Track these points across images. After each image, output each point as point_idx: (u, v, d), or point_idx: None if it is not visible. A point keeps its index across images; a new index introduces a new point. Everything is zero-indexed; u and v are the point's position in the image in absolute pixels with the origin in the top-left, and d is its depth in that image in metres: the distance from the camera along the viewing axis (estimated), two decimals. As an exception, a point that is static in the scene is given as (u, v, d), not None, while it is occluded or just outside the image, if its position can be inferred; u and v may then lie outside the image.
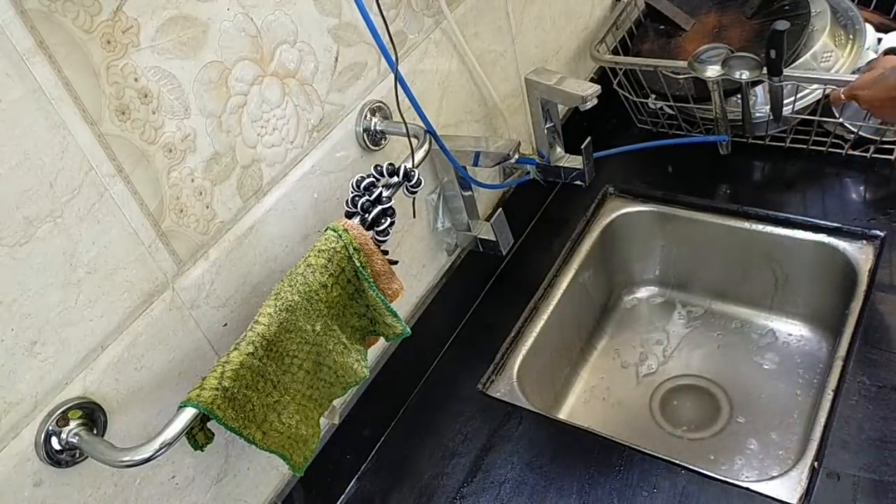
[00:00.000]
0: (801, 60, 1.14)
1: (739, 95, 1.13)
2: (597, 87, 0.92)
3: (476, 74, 1.02)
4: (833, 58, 1.14)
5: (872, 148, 1.14)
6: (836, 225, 1.08)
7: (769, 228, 1.13)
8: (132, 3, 0.60)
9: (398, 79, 0.79)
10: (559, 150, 1.04)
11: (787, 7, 1.18)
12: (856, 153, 1.15)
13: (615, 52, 1.31)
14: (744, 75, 1.07)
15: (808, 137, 1.18)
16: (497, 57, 1.06)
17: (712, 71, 1.09)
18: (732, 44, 1.14)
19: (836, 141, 1.17)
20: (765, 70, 1.05)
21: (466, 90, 1.01)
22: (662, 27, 1.29)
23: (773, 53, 1.02)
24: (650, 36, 1.30)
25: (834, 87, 1.05)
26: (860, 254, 1.05)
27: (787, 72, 1.06)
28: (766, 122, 1.17)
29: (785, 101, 1.12)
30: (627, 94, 1.26)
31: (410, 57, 0.90)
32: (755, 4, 1.21)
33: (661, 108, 1.24)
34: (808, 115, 1.15)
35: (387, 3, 0.84)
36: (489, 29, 1.03)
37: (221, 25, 0.67)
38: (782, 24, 0.99)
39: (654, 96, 1.23)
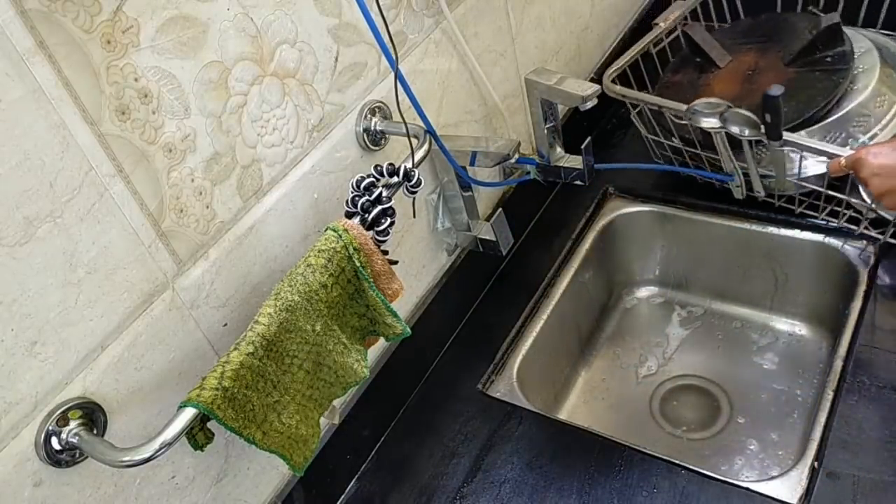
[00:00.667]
0: (831, 119, 1.02)
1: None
2: (597, 87, 0.91)
3: (476, 74, 1.02)
4: (871, 121, 1.02)
5: (890, 231, 1.01)
6: (836, 224, 1.08)
7: (769, 228, 1.13)
8: (132, 3, 0.60)
9: (398, 79, 0.79)
10: (559, 150, 1.04)
11: (829, 59, 1.07)
12: (871, 233, 1.03)
13: (641, 78, 1.20)
14: (745, 132, 0.97)
15: (818, 203, 1.06)
16: (497, 57, 1.06)
17: (708, 122, 0.99)
18: (763, 89, 0.98)
19: (855, 215, 1.03)
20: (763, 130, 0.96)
21: (466, 90, 1.01)
22: (698, 59, 1.19)
23: (768, 117, 0.93)
24: (684, 67, 1.20)
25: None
26: (860, 254, 1.05)
27: (793, 136, 0.96)
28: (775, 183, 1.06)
29: (800, 165, 1.01)
30: (645, 132, 1.16)
31: (410, 57, 0.90)
32: (794, 50, 1.10)
33: (683, 148, 1.13)
34: (819, 183, 1.02)
35: (387, 3, 0.84)
36: (489, 29, 1.03)
37: (221, 25, 0.67)
38: (776, 89, 0.90)
39: (675, 138, 1.13)
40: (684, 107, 1.03)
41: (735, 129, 0.98)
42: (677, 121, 1.08)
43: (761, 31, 1.19)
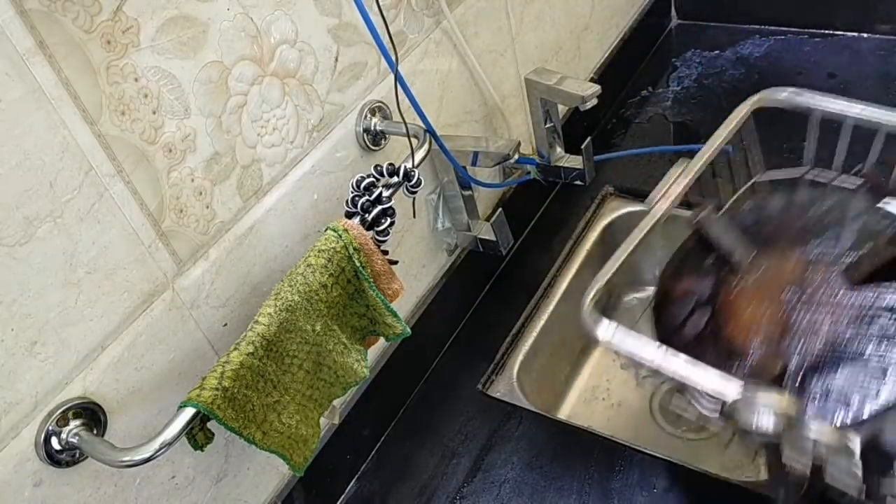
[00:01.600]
0: None
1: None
2: (597, 87, 0.92)
3: (476, 74, 1.02)
4: None
5: None
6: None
7: (769, 228, 1.12)
8: (132, 3, 0.60)
9: (398, 79, 0.79)
10: (559, 150, 1.04)
11: None
12: None
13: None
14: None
15: None
16: (497, 57, 1.06)
17: (768, 423, 0.58)
18: (819, 333, 0.62)
19: None
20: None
21: (466, 90, 1.01)
22: (713, 256, 0.77)
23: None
24: (690, 264, 0.79)
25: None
26: (860, 254, 1.05)
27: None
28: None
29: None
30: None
31: (410, 57, 0.90)
32: (865, 268, 0.64)
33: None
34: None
35: (387, 3, 0.84)
36: (489, 29, 1.03)
37: (221, 25, 0.67)
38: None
39: None
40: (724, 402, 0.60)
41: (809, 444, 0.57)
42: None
43: (823, 211, 0.70)
